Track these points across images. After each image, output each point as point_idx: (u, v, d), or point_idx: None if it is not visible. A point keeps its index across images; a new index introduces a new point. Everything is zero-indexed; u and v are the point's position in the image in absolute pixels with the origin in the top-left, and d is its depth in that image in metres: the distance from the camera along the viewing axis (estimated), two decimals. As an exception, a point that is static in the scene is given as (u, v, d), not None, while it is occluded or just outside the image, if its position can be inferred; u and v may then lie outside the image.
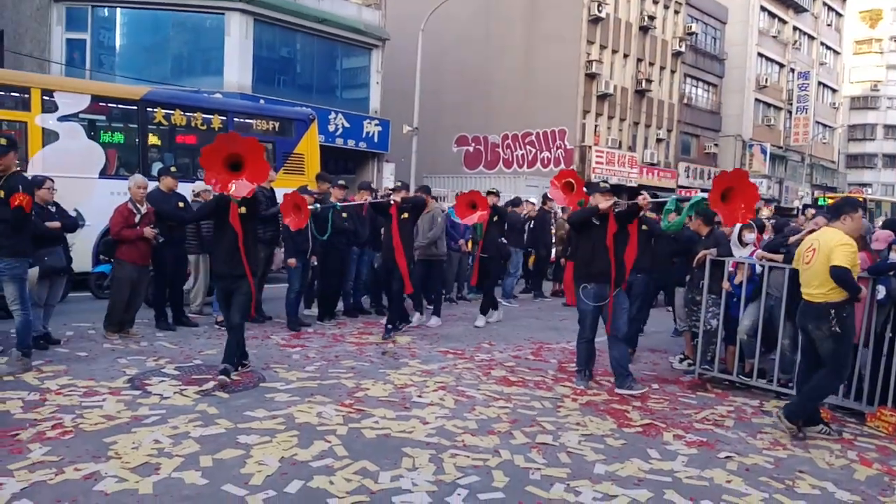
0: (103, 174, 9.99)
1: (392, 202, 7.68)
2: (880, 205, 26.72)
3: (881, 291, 5.30)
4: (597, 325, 6.13)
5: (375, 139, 22.04)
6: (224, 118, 11.34)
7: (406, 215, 7.81)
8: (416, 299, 8.94)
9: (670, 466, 4.28)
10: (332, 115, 20.56)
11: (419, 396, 5.48)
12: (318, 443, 4.30)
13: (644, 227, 6.72)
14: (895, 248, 5.79)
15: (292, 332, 7.73)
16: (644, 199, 5.86)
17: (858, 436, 5.12)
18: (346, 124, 20.98)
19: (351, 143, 21.30)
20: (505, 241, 9.22)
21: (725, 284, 6.38)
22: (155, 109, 10.67)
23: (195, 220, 7.30)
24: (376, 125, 22.03)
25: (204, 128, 11.06)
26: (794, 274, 5.90)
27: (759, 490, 3.98)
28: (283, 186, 8.63)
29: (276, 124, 12.33)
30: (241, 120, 11.90)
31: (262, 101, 16.51)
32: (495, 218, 8.92)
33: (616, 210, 5.92)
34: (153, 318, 7.66)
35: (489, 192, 9.06)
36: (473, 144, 30.74)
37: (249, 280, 5.65)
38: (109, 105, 10.53)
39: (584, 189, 6.58)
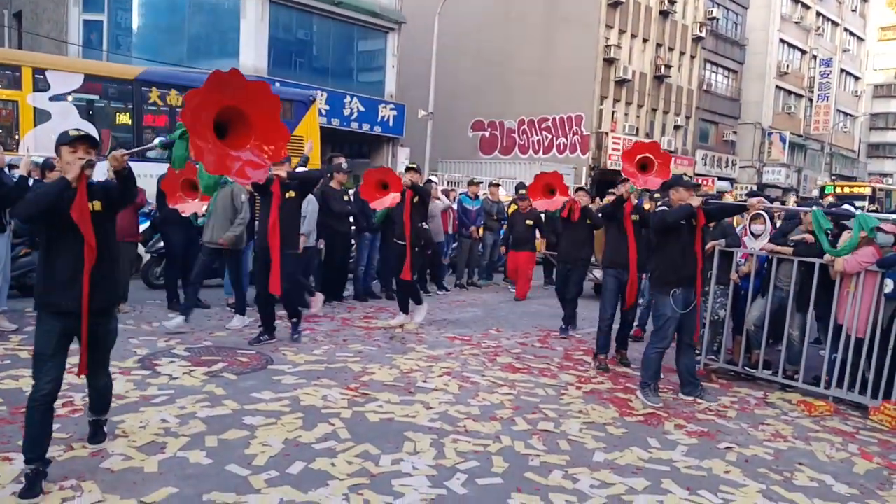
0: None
1: (275, 177, 6.34)
2: (890, 194, 26.16)
3: (889, 285, 5.27)
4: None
5: (391, 123, 22.05)
6: None
7: (292, 194, 6.43)
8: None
9: (669, 456, 4.31)
10: (348, 99, 20.59)
11: (424, 381, 5.54)
12: (322, 425, 4.38)
13: (635, 216, 6.46)
14: None
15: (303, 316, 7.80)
16: (759, 201, 5.58)
17: (861, 429, 5.12)
18: (362, 108, 21.00)
19: (366, 127, 21.33)
20: (427, 226, 7.92)
21: (734, 275, 6.36)
22: (150, 89, 10.63)
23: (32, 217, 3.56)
24: (391, 109, 22.02)
25: None
26: (803, 266, 5.90)
27: (756, 481, 4.01)
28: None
29: None
30: None
31: (277, 84, 16.54)
32: (416, 199, 7.43)
33: (706, 206, 5.42)
34: (165, 298, 7.78)
35: (408, 168, 7.65)
36: (489, 129, 30.62)
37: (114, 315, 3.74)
38: (103, 84, 10.49)
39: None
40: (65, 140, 3.36)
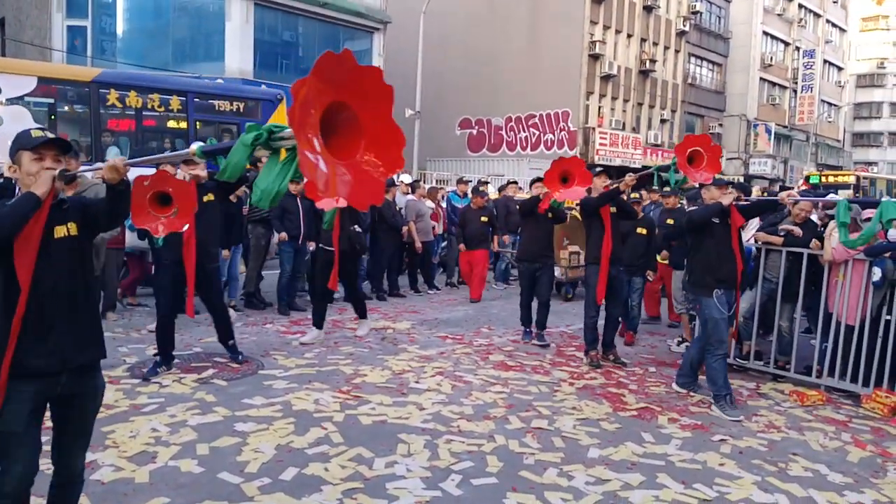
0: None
1: (190, 178, 5.32)
2: (875, 182, 26.38)
3: (877, 273, 5.30)
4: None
5: (378, 123, 21.99)
6: (183, 99, 10.92)
7: (210, 197, 5.59)
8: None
9: (664, 450, 4.31)
10: (335, 100, 20.52)
11: (417, 382, 5.51)
12: (314, 430, 4.34)
13: (613, 208, 6.27)
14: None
15: (292, 319, 7.76)
16: (789, 194, 5.40)
17: (854, 417, 5.14)
18: (349, 109, 20.93)
19: (353, 127, 21.27)
20: (359, 229, 7.21)
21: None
22: (108, 91, 10.24)
23: None
24: (379, 109, 21.95)
25: (161, 109, 10.69)
26: (792, 256, 5.92)
27: (751, 473, 4.01)
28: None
29: (241, 105, 11.73)
30: (202, 101, 11.40)
31: (263, 87, 16.39)
32: None
33: (739, 204, 5.30)
34: (154, 305, 7.71)
35: None
36: (477, 127, 30.60)
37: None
38: (58, 87, 10.13)
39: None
40: (27, 144, 2.56)
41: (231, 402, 4.78)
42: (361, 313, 7.22)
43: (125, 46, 18.56)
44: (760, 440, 4.57)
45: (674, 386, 5.66)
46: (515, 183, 12.57)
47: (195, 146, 2.68)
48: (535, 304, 7.31)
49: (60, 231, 2.58)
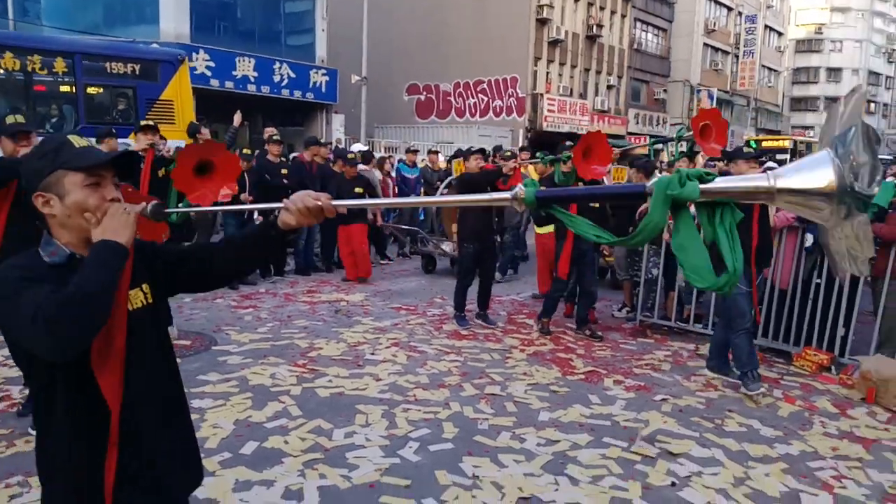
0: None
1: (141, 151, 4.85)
2: (811, 146, 27.43)
3: (809, 239, 5.60)
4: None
5: (323, 89, 21.58)
6: (69, 60, 9.94)
7: (162, 172, 5.32)
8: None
9: (609, 411, 4.53)
10: (277, 66, 20.01)
11: (372, 354, 5.61)
12: (272, 404, 4.41)
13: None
14: None
15: (243, 294, 7.73)
16: None
17: (785, 375, 5.48)
18: (292, 74, 20.45)
19: (297, 94, 20.81)
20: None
21: (666, 235, 6.59)
22: None
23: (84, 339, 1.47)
24: (323, 75, 21.53)
25: (44, 72, 9.79)
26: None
27: (690, 430, 4.26)
28: None
29: (137, 66, 10.75)
30: (92, 62, 10.35)
31: (201, 52, 15.84)
32: (161, 172, 5.69)
33: None
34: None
35: (144, 128, 5.81)
36: (425, 93, 30.36)
37: None
38: None
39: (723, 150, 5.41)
40: (71, 160, 1.53)
41: (186, 379, 4.68)
42: None
43: (51, 8, 17.54)
44: (699, 398, 4.84)
45: (706, 372, 5.33)
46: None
47: (521, 188, 1.72)
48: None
49: (136, 299, 1.64)
